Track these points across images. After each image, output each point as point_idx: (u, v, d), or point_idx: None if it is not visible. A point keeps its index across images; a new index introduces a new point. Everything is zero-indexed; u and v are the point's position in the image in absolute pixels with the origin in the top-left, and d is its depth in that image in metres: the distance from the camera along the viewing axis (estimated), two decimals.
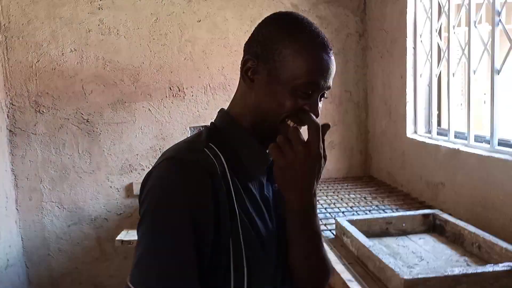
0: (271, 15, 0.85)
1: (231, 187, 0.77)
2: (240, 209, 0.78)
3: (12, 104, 2.66)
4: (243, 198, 0.79)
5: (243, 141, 0.84)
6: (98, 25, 2.69)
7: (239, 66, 0.85)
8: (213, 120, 0.89)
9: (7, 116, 2.65)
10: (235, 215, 0.77)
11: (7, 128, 2.65)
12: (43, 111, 2.70)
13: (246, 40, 0.86)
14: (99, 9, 2.68)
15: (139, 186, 0.81)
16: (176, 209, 0.73)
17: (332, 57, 0.81)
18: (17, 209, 2.71)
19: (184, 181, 0.74)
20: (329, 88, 0.82)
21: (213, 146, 0.80)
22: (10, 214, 2.64)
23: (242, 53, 0.85)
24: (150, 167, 0.81)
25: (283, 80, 0.79)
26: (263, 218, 0.83)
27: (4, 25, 2.60)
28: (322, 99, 0.83)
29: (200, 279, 0.73)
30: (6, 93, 2.64)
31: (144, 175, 0.81)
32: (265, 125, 0.82)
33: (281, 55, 0.79)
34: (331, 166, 2.91)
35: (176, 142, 0.87)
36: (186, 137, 0.88)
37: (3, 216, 2.55)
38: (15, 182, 2.69)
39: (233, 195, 0.77)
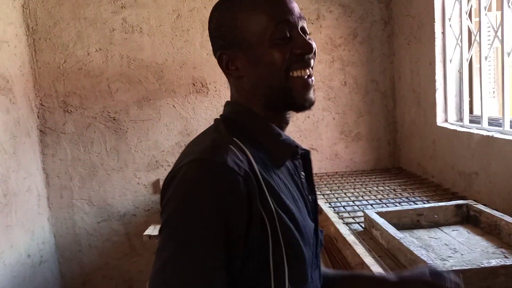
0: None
1: (262, 183, 0.72)
2: (275, 203, 0.72)
3: (42, 105, 2.73)
4: (276, 191, 0.74)
5: (263, 129, 0.80)
6: (122, 23, 2.72)
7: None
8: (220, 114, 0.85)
9: (37, 117, 2.72)
10: (272, 212, 0.71)
11: (37, 128, 2.73)
12: (71, 111, 2.75)
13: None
14: (122, 8, 2.71)
15: None
16: (205, 215, 0.67)
17: None
18: (49, 207, 2.78)
19: (213, 185, 0.68)
20: (302, 18, 0.78)
21: (237, 140, 0.75)
22: (43, 212, 2.72)
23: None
24: None
25: (256, 42, 0.76)
26: (297, 206, 0.79)
27: (32, 27, 2.66)
28: (307, 35, 0.78)
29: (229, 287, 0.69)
30: (36, 94, 2.71)
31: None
32: (274, 92, 0.78)
33: (238, 26, 0.77)
34: (358, 158, 2.85)
35: None
36: (203, 131, 0.84)
37: (36, 214, 2.63)
38: (47, 181, 2.77)
39: (266, 191, 0.72)
